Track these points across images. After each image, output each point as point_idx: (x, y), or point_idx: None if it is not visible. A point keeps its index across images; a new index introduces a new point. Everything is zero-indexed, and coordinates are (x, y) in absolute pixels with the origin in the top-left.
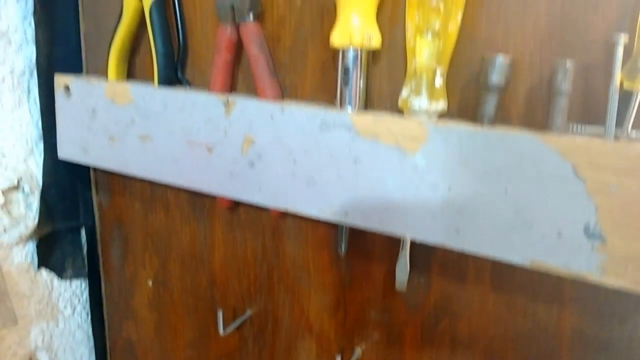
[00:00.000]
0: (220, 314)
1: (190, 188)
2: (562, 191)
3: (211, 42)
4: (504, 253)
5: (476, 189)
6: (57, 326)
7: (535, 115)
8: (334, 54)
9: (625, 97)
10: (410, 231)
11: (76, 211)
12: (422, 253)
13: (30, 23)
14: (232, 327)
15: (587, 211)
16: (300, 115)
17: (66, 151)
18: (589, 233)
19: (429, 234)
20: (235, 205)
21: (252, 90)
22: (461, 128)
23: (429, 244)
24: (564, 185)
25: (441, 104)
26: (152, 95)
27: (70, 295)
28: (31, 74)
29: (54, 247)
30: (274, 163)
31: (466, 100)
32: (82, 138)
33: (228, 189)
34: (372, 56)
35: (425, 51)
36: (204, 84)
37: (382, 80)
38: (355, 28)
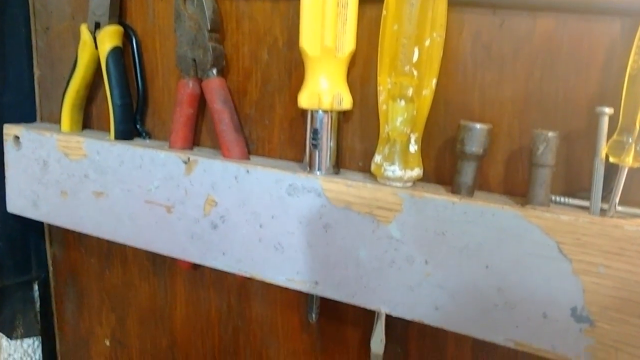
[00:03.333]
0: None
1: (148, 249)
2: (546, 270)
3: (174, 92)
4: (486, 333)
5: (455, 263)
6: None
7: (516, 182)
8: (303, 110)
9: (611, 168)
10: (385, 305)
11: (28, 265)
12: (399, 322)
13: None
14: None
15: (574, 293)
16: (267, 178)
17: (15, 205)
18: (576, 316)
19: (405, 310)
20: (198, 264)
21: (217, 144)
22: (438, 199)
23: (407, 319)
24: (549, 264)
25: (416, 171)
26: (107, 151)
27: (21, 356)
28: None
29: (3, 305)
30: (238, 226)
31: (443, 164)
32: (33, 191)
33: (189, 251)
34: (343, 114)
35: (399, 118)
36: (166, 135)
37: (354, 139)
38: (324, 90)
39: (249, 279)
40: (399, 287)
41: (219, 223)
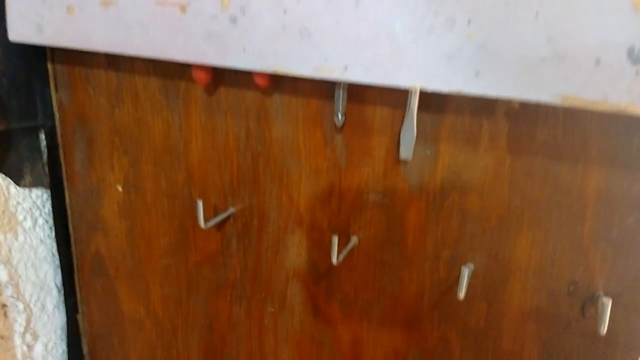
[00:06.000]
0: (200, 204)
1: (162, 58)
2: (602, 8)
3: None
4: (531, 92)
5: (501, 17)
6: (17, 239)
7: None
8: None
9: None
10: (420, 80)
11: (33, 110)
12: (430, 119)
13: None
14: (213, 222)
15: (632, 30)
16: None
17: (18, 32)
18: (633, 56)
19: (442, 82)
20: (215, 84)
21: None
22: None
23: (443, 93)
24: (605, 0)
25: None
26: None
27: (30, 206)
28: None
29: (9, 149)
30: (260, 15)
31: None
32: (36, 13)
33: (206, 54)
34: None
35: None
36: None
37: None
38: None
39: (268, 97)
40: (437, 57)
41: (239, 15)
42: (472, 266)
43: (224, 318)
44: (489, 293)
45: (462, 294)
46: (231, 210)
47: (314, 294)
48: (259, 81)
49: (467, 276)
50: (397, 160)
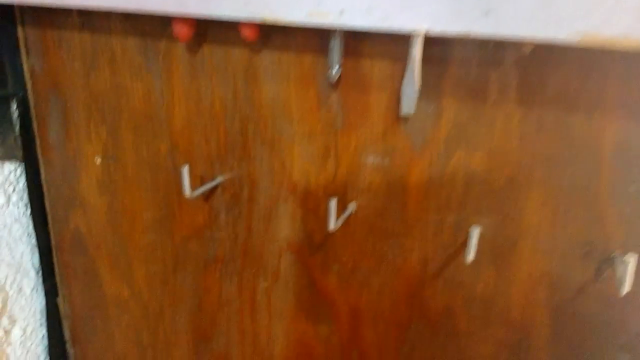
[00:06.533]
0: (185, 170)
1: (140, 11)
2: None
3: None
4: (547, 30)
5: None
6: None
7: None
8: None
9: None
10: (424, 22)
11: (3, 78)
12: (433, 72)
13: None
14: (200, 191)
15: None
16: None
17: None
18: None
19: (449, 22)
20: (198, 41)
21: None
22: None
23: (449, 37)
24: None
25: None
26: None
27: (2, 181)
28: None
29: None
30: None
31: None
32: None
33: (187, 3)
34: None
35: None
36: None
37: None
38: None
39: (256, 54)
40: None
41: None
42: (479, 229)
43: (213, 296)
44: (497, 258)
45: (470, 257)
46: (219, 179)
47: (309, 266)
48: (247, 33)
49: (476, 237)
50: (398, 117)
